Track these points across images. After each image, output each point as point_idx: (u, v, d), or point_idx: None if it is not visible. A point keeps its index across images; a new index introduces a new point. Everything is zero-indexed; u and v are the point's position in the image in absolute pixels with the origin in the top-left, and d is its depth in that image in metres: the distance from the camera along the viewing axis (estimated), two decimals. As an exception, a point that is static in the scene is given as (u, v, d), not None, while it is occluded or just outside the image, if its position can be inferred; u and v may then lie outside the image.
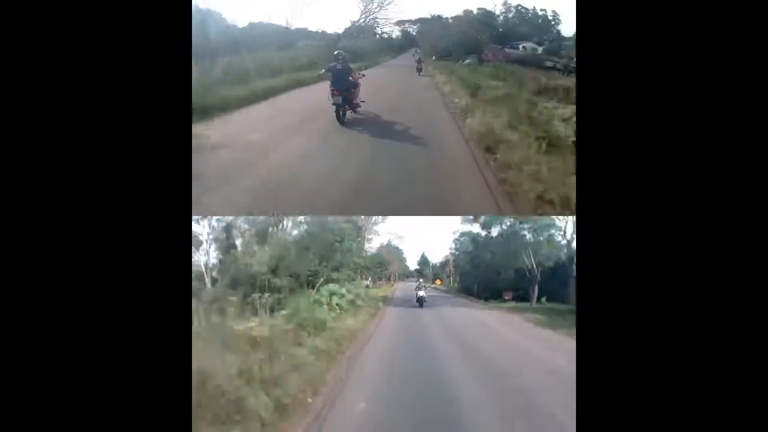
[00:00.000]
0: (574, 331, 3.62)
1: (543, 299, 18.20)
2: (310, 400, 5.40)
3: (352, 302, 13.37)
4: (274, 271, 11.81)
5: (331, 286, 13.10)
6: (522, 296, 19.62)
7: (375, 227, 21.75)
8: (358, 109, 10.70)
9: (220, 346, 5.63)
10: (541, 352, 8.71)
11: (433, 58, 19.74)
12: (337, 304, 12.47)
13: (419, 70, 17.89)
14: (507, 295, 20.32)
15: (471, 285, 25.07)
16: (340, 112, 9.85)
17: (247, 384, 4.89)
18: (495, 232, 21.60)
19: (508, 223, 20.05)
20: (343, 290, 13.26)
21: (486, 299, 21.83)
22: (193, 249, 12.71)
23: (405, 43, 21.54)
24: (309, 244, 13.26)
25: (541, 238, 18.89)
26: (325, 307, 11.73)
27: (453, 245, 27.81)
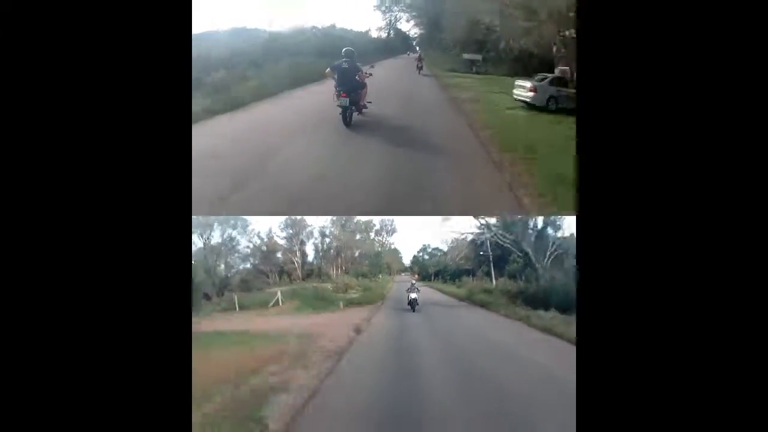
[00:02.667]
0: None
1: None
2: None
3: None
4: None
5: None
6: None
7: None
8: (364, 110, 9.89)
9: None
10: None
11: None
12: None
13: (420, 68, 15.20)
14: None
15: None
16: (347, 115, 9.18)
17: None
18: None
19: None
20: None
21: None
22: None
23: (397, 45, 17.24)
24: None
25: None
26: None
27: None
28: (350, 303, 15.54)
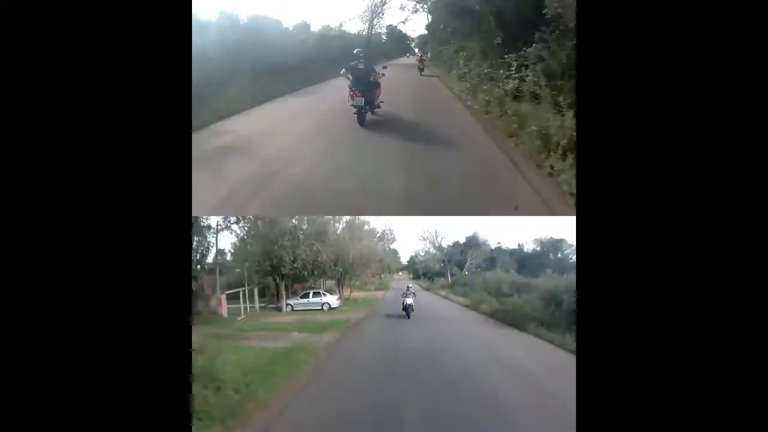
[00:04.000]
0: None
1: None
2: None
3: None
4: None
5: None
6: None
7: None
8: (377, 110, 10.10)
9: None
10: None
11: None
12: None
13: (421, 69, 14.56)
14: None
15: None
16: (362, 114, 9.43)
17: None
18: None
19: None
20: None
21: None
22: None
23: (387, 45, 14.32)
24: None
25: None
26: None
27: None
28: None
